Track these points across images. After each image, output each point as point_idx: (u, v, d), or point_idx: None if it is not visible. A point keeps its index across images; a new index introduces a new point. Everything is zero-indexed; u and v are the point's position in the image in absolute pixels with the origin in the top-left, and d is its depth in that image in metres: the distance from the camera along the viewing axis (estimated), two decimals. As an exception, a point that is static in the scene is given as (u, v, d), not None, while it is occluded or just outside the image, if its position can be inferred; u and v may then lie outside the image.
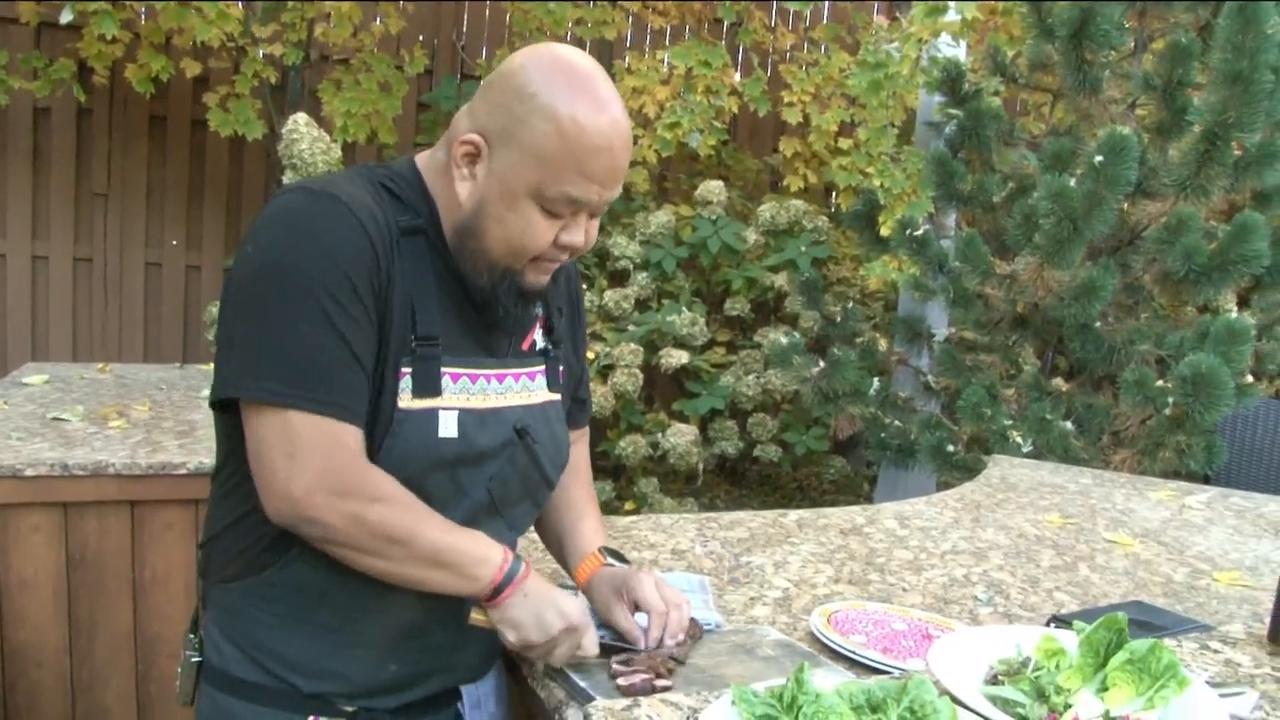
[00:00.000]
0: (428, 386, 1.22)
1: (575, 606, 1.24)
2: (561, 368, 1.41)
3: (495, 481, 1.29)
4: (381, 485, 1.18)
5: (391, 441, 1.20)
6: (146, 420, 2.73)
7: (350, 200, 1.17)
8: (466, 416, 1.24)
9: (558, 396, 1.39)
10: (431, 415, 1.22)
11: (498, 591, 1.21)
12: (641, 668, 1.23)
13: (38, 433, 2.50)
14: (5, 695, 2.28)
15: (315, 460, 1.14)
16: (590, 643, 1.26)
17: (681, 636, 1.32)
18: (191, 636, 1.35)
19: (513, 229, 1.19)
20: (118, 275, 5.48)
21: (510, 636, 1.23)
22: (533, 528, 1.50)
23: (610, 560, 1.43)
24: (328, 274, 1.14)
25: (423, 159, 1.29)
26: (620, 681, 1.20)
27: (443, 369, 1.23)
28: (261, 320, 1.16)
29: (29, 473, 2.23)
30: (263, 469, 1.16)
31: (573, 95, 1.15)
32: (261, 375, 1.15)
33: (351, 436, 1.17)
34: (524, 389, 1.33)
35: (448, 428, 1.23)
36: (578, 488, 1.51)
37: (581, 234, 1.23)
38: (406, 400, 1.21)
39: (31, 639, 2.28)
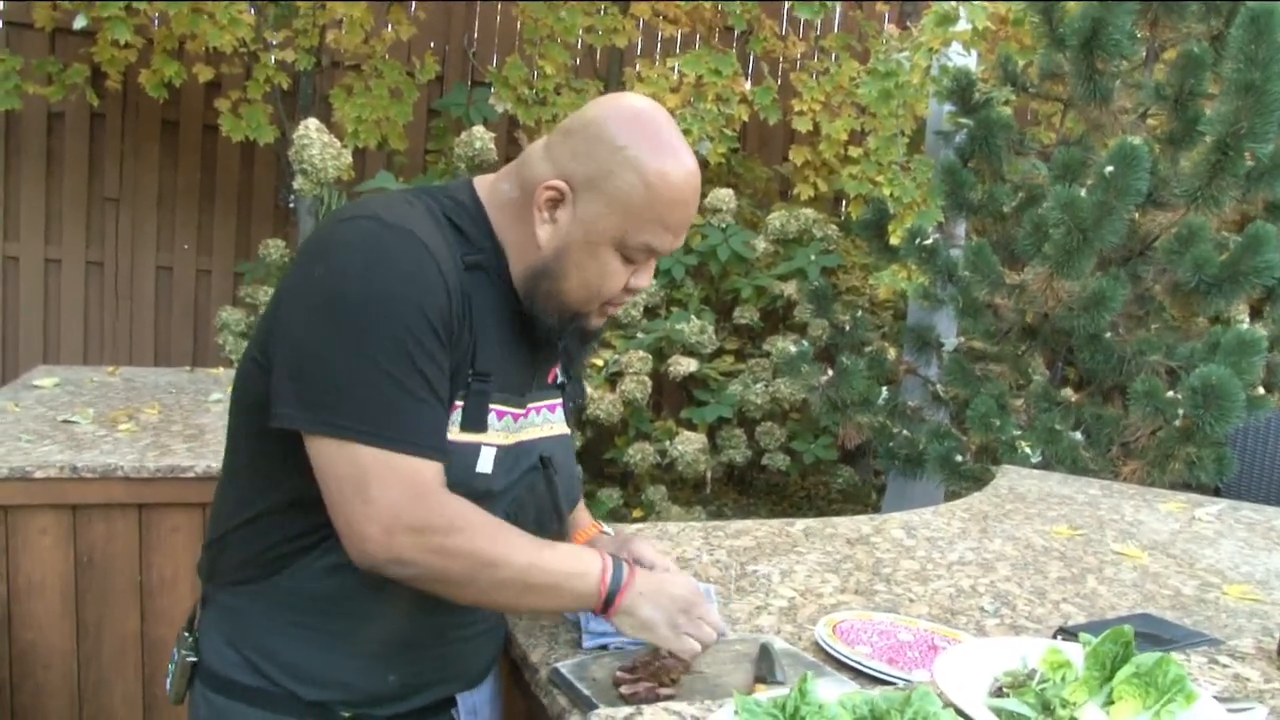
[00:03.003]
0: (476, 421, 1.22)
1: (680, 592, 1.28)
2: (569, 402, 1.43)
3: (513, 507, 1.30)
4: (462, 514, 1.16)
5: None
6: (156, 423, 2.73)
7: (426, 238, 1.17)
8: (501, 453, 1.26)
9: (568, 431, 1.41)
10: (474, 450, 1.22)
11: (610, 601, 1.22)
12: (645, 676, 1.22)
13: (47, 435, 2.51)
14: (12, 696, 2.28)
15: (389, 498, 1.11)
16: (713, 616, 1.30)
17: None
18: (187, 635, 1.34)
19: (591, 274, 1.23)
20: (129, 279, 5.51)
21: (645, 636, 1.25)
22: None
23: (606, 529, 1.51)
24: (407, 311, 1.13)
25: (484, 189, 1.29)
26: (624, 690, 1.20)
27: (490, 405, 1.24)
28: (337, 352, 1.13)
29: (38, 475, 2.24)
30: (338, 510, 1.14)
31: (658, 151, 1.19)
32: (335, 409, 1.12)
33: (429, 471, 1.15)
34: (545, 421, 1.35)
35: (485, 463, 1.24)
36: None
37: (648, 278, 1.28)
38: (455, 433, 1.21)
39: (39, 640, 2.29)
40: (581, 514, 1.52)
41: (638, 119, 1.21)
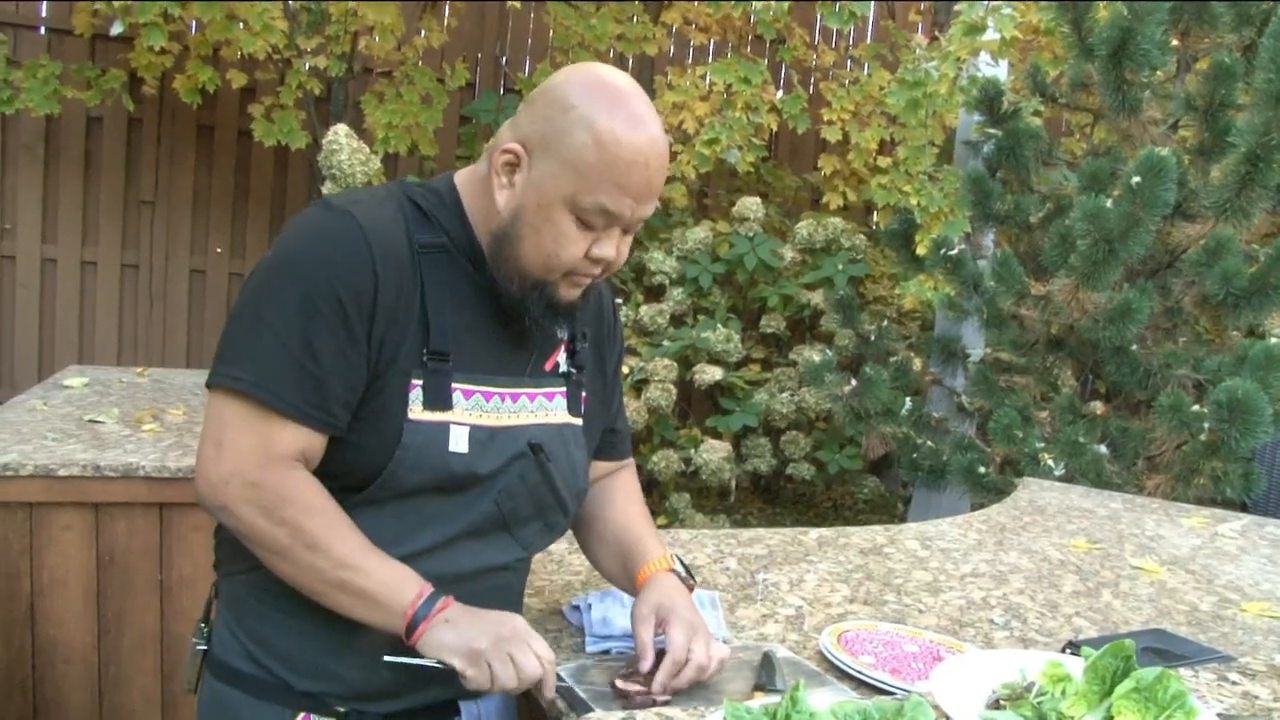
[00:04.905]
0: (438, 400, 1.23)
1: (504, 620, 1.21)
2: (584, 394, 1.40)
3: (504, 495, 1.29)
4: (303, 491, 1.18)
5: (402, 452, 1.21)
6: (180, 424, 2.77)
7: (364, 218, 1.20)
8: (477, 433, 1.25)
9: (578, 421, 1.38)
10: (442, 429, 1.23)
11: (414, 625, 1.18)
12: (643, 681, 1.22)
13: (73, 434, 2.55)
14: (34, 690, 2.32)
15: (239, 450, 1.17)
16: (541, 646, 1.20)
17: (685, 679, 1.25)
18: (203, 625, 1.38)
19: (546, 237, 1.21)
20: (163, 281, 5.60)
21: (454, 662, 1.17)
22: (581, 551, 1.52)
23: (679, 567, 1.41)
24: (315, 283, 1.17)
25: (462, 175, 1.32)
26: (620, 694, 1.20)
27: (453, 385, 1.24)
28: (242, 314, 1.21)
29: (62, 473, 2.28)
30: (198, 450, 1.21)
31: (612, 110, 1.18)
32: (223, 360, 1.20)
33: (289, 434, 1.18)
34: (540, 408, 1.33)
35: (458, 443, 1.24)
36: (638, 511, 1.50)
37: (613, 248, 1.24)
38: (417, 412, 1.22)
39: (61, 636, 2.32)
40: (650, 544, 1.42)
41: (599, 83, 1.21)
